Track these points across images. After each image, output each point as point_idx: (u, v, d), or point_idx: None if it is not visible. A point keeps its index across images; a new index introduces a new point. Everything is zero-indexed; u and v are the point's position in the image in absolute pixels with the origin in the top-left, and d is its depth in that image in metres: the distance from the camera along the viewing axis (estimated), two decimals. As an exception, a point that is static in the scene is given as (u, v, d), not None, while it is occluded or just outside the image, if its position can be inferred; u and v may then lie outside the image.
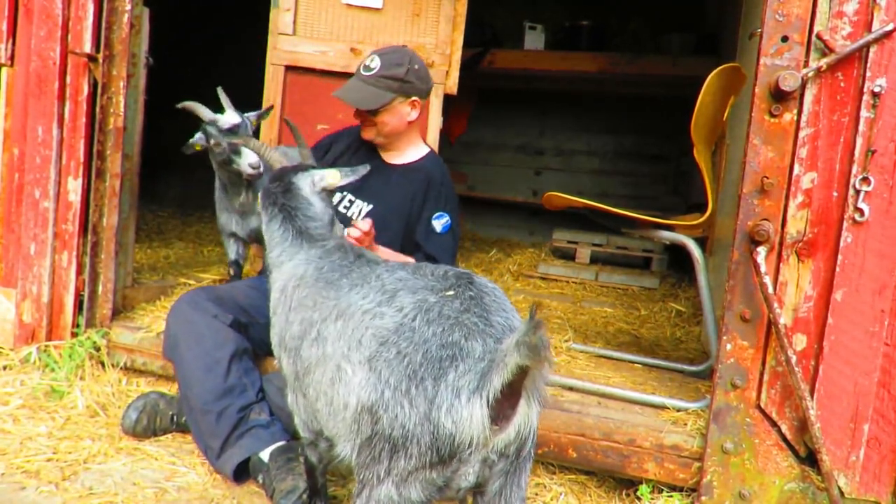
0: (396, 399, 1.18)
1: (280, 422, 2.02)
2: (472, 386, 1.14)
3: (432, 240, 2.23)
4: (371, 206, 2.23)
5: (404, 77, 2.11)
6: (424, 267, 1.43)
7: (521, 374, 1.08)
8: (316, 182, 1.75)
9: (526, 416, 1.17)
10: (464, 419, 1.13)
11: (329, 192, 1.79)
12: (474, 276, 1.38)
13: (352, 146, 2.37)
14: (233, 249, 2.78)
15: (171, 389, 2.45)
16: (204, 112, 2.42)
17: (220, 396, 1.98)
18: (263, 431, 1.97)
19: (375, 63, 2.13)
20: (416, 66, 2.15)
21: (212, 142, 2.40)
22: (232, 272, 2.79)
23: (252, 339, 2.14)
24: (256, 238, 2.71)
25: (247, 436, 1.96)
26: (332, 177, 1.76)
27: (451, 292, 1.29)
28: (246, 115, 2.50)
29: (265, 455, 1.93)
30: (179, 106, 2.41)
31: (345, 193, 2.27)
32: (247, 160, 2.35)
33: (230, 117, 2.43)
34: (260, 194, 1.79)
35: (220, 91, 2.51)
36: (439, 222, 2.24)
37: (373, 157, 2.30)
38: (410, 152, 2.31)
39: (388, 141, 2.25)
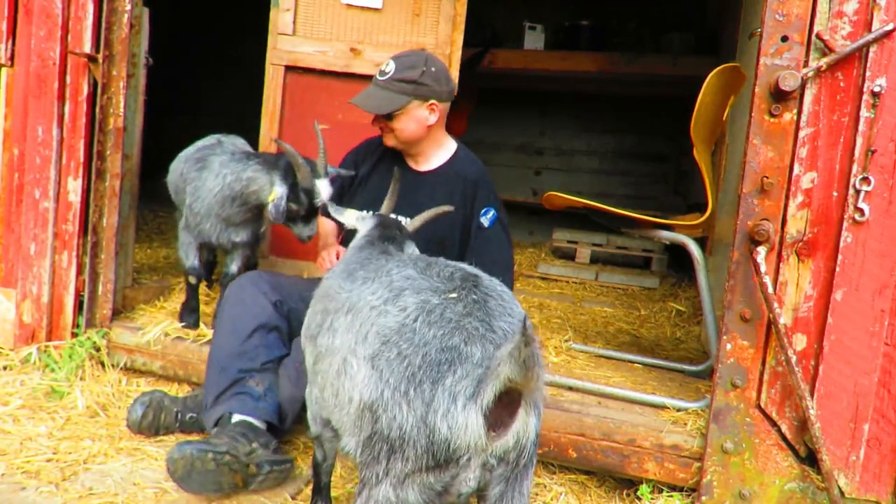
0: (395, 400, 1.19)
1: (272, 401, 2.00)
2: (469, 392, 1.14)
3: (484, 239, 2.17)
4: (406, 220, 2.17)
5: (418, 79, 2.06)
6: (434, 265, 1.41)
7: (516, 384, 1.07)
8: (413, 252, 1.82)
9: (524, 423, 1.16)
10: (459, 425, 1.13)
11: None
12: (482, 278, 1.37)
13: (378, 161, 2.32)
14: (196, 256, 2.65)
15: (170, 390, 2.45)
16: (305, 170, 2.20)
17: (232, 357, 2.02)
18: (250, 400, 1.97)
19: (390, 67, 2.09)
20: (433, 69, 2.09)
21: (293, 207, 2.24)
22: (194, 280, 2.66)
23: (292, 324, 2.13)
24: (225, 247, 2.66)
25: (235, 398, 1.98)
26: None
27: (454, 294, 1.29)
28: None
29: (236, 419, 1.95)
30: (282, 145, 2.22)
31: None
32: (308, 232, 2.29)
33: (327, 191, 2.22)
34: (376, 221, 1.82)
35: (318, 131, 2.25)
36: (486, 217, 2.19)
37: (399, 165, 2.24)
38: (437, 156, 2.24)
39: (409, 147, 2.20)
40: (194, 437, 2.08)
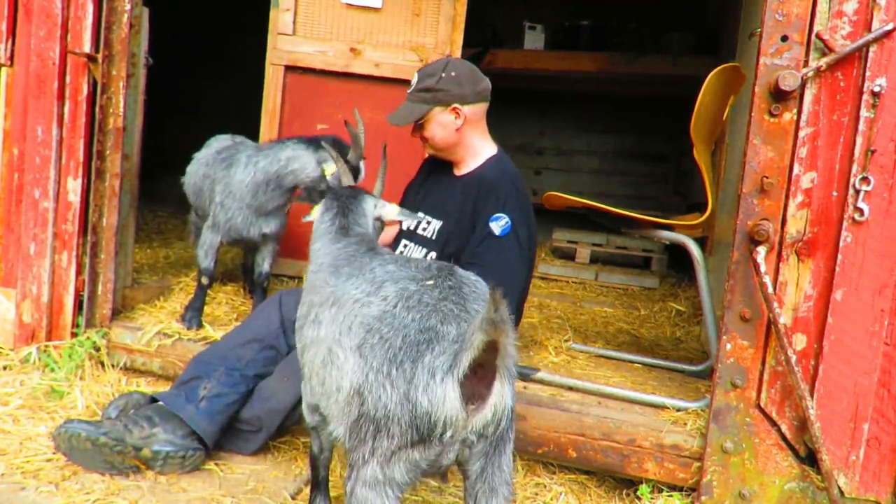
0: (379, 381, 1.26)
1: (206, 409, 2.01)
2: (446, 366, 1.21)
3: (487, 244, 2.04)
4: (441, 223, 2.20)
5: (435, 86, 2.08)
6: (413, 260, 1.50)
7: (491, 353, 1.13)
8: (377, 206, 1.87)
9: (500, 394, 1.22)
10: (438, 397, 1.20)
11: (381, 223, 1.90)
12: (457, 268, 1.45)
13: (432, 170, 2.37)
14: (215, 257, 2.67)
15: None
16: (359, 150, 2.34)
17: (214, 355, 2.13)
18: (181, 398, 2.02)
19: (414, 80, 2.14)
20: (453, 73, 2.10)
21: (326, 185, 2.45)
22: (207, 281, 2.67)
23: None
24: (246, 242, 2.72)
25: (176, 389, 2.07)
26: (391, 211, 1.89)
27: (430, 281, 1.37)
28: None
29: (161, 402, 2.03)
30: (351, 129, 2.28)
31: (421, 215, 2.25)
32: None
33: (362, 175, 2.39)
34: (327, 195, 1.86)
35: (358, 118, 2.34)
36: (497, 224, 2.05)
37: (447, 172, 2.29)
38: (472, 161, 2.23)
39: (447, 153, 2.21)
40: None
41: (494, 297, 1.06)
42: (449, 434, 1.22)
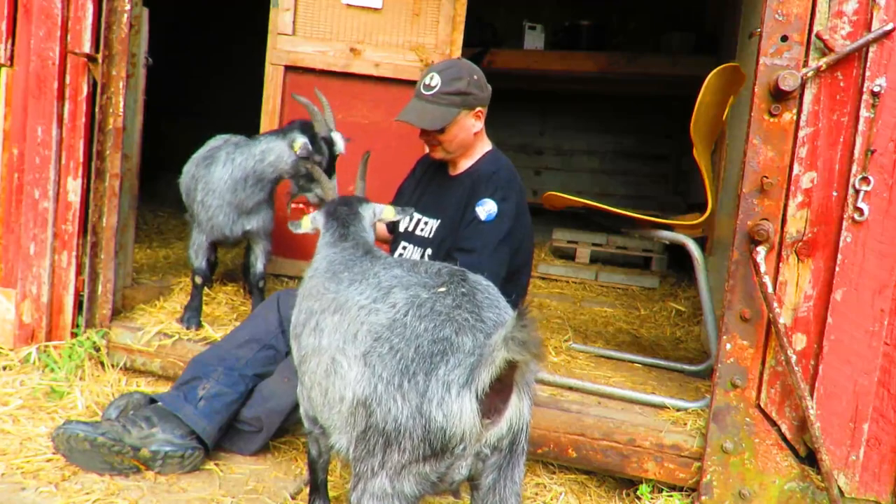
0: (389, 393, 1.21)
1: (205, 409, 2.02)
2: (462, 380, 1.16)
3: (472, 228, 2.04)
4: (438, 222, 2.20)
5: (466, 90, 2.06)
6: (420, 264, 1.45)
7: (511, 368, 1.09)
8: (376, 213, 1.88)
9: (517, 409, 1.19)
10: (454, 413, 1.15)
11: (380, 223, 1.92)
12: (468, 273, 1.40)
13: (426, 169, 2.35)
14: (205, 257, 2.70)
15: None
16: (321, 119, 2.35)
17: (213, 357, 2.15)
18: (180, 398, 2.03)
19: (435, 81, 2.06)
20: (475, 77, 2.09)
21: (317, 158, 2.39)
22: (200, 280, 2.69)
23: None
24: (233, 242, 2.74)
25: (175, 390, 2.09)
26: (388, 213, 1.90)
27: (443, 289, 1.31)
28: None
29: (160, 403, 2.04)
30: (298, 99, 2.32)
31: (419, 216, 2.25)
32: (319, 192, 2.41)
33: (341, 143, 2.42)
34: (324, 211, 1.85)
35: (319, 94, 2.41)
36: (483, 209, 2.04)
37: (442, 172, 2.28)
38: (471, 160, 2.22)
39: (454, 155, 2.19)
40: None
41: (524, 315, 1.02)
42: (461, 447, 1.18)
